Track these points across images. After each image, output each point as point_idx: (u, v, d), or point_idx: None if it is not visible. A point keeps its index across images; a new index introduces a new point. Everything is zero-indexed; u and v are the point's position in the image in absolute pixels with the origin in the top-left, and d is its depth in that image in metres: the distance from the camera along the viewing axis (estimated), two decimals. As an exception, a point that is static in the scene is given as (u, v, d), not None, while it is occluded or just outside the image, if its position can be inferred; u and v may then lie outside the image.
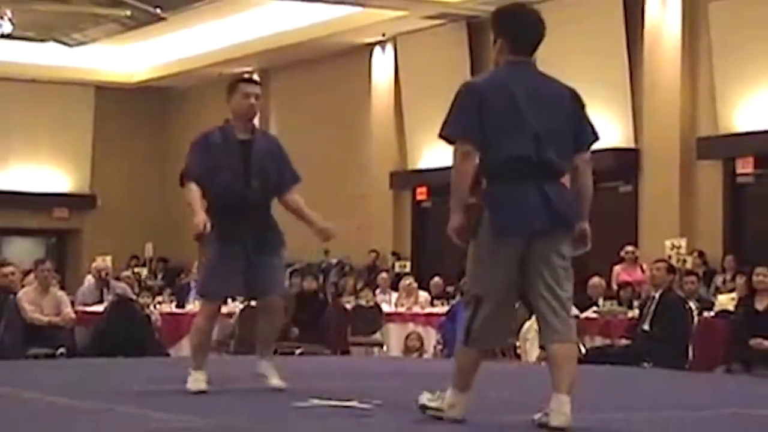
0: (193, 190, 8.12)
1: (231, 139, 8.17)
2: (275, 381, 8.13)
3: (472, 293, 6.42)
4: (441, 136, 6.36)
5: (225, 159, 8.11)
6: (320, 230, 8.40)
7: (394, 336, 16.46)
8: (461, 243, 6.38)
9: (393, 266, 21.57)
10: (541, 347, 14.42)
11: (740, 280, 13.67)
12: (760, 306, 12.45)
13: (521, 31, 6.42)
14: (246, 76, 9.04)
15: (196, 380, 8.07)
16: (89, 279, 16.62)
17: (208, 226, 7.95)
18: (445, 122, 6.35)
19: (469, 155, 6.24)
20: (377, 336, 16.27)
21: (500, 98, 6.29)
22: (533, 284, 6.32)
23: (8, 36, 22.10)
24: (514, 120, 6.26)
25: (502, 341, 6.48)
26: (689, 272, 15.05)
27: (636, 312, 13.82)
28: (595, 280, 15.94)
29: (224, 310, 15.31)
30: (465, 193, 6.30)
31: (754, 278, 12.56)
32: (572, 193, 6.42)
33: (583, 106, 6.50)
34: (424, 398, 6.60)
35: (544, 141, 6.27)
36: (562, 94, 6.47)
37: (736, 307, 12.93)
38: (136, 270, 22.76)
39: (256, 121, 8.44)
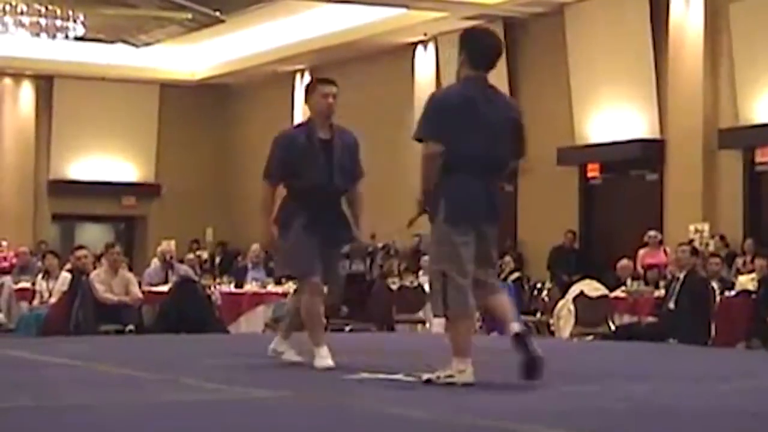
0: (268, 198, 8.14)
1: (314, 138, 8.11)
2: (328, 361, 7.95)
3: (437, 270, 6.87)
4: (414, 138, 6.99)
5: (310, 158, 8.04)
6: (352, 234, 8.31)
7: (436, 314, 16.39)
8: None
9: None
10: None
11: (759, 262, 13.55)
12: (780, 285, 12.36)
13: (480, 50, 7.00)
14: (323, 77, 8.96)
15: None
16: (155, 261, 16.67)
17: (273, 245, 8.12)
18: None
19: (435, 154, 6.83)
20: (420, 314, 16.23)
21: (459, 105, 6.85)
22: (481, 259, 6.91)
23: (80, 38, 22.21)
24: (471, 122, 6.81)
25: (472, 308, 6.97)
26: (712, 255, 14.93)
27: (662, 292, 13.73)
28: (624, 261, 15.83)
29: (279, 290, 15.35)
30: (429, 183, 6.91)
31: (774, 260, 12.49)
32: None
33: (522, 123, 7.06)
34: (427, 376, 6.87)
35: (494, 140, 6.84)
36: (510, 104, 7.17)
37: (758, 286, 12.82)
38: (197, 253, 22.83)
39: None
